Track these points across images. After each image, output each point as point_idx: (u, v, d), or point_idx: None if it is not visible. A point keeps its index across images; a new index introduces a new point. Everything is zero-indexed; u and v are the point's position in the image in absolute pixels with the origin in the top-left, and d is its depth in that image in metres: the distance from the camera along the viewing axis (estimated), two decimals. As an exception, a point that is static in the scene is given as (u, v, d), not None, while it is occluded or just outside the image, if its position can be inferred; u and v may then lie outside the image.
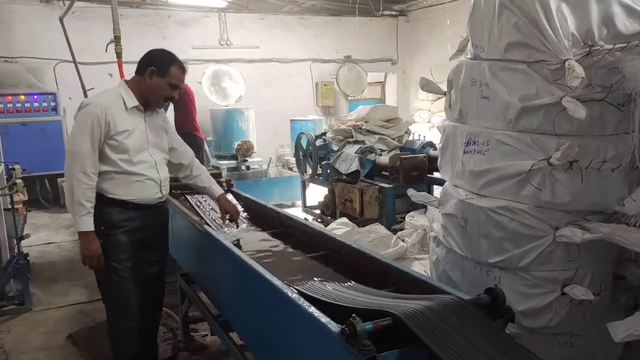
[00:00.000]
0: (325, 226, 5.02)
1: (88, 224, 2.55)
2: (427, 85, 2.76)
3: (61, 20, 6.22)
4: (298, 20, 10.50)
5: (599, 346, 2.35)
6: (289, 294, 2.06)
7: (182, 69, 2.72)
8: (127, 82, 2.72)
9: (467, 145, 2.38)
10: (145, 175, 2.69)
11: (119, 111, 2.60)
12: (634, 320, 1.97)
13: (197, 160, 3.17)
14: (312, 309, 1.90)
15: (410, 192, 2.91)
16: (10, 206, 4.38)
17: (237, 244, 2.84)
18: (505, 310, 1.85)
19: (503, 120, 2.23)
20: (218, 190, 3.18)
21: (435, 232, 2.73)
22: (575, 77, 1.88)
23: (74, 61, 6.17)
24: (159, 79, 2.63)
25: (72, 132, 2.64)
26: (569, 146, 2.02)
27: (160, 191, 2.79)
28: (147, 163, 2.71)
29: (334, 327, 1.72)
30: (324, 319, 1.81)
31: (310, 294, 2.15)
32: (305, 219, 6.03)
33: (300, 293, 2.12)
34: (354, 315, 1.62)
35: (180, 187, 3.96)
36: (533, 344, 2.25)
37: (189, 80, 7.51)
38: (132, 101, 2.65)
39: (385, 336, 1.66)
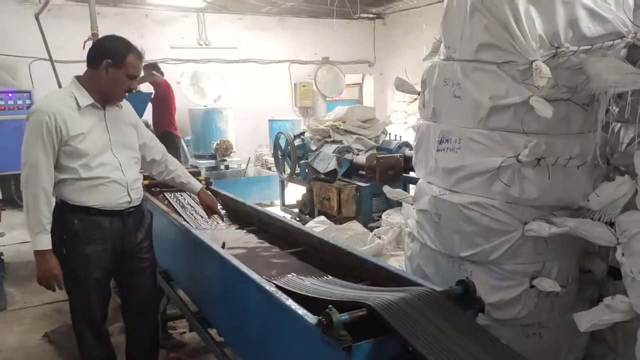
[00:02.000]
0: (304, 224, 5.07)
1: (44, 242, 2.34)
2: (402, 85, 2.84)
3: (37, 17, 6.15)
4: (277, 22, 10.54)
5: (565, 337, 2.45)
6: (267, 287, 2.10)
7: (139, 57, 2.47)
8: (79, 78, 2.46)
9: (440, 143, 2.45)
10: (108, 177, 2.44)
11: (70, 113, 2.35)
12: (598, 311, 2.06)
13: (171, 155, 3.00)
14: (290, 302, 1.95)
15: (386, 189, 2.98)
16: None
17: (223, 247, 2.81)
18: (476, 301, 1.93)
19: (474, 119, 2.31)
20: (197, 185, 3.09)
21: (410, 228, 2.80)
22: (542, 77, 1.96)
23: (50, 59, 6.11)
24: (115, 71, 2.38)
25: (23, 141, 2.34)
26: (536, 143, 2.11)
27: (128, 194, 2.52)
28: (110, 165, 2.46)
29: (311, 318, 1.78)
30: (301, 311, 1.86)
31: (288, 287, 2.20)
32: (284, 217, 6.10)
33: (279, 287, 2.17)
34: (330, 306, 1.68)
35: (159, 185, 3.98)
36: (503, 335, 2.32)
37: (168, 79, 7.55)
38: (86, 99, 2.40)
39: (361, 327, 1.72)
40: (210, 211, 3.14)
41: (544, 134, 2.21)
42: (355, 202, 5.24)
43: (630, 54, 2.25)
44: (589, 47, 2.11)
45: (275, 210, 6.67)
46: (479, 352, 1.65)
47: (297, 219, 6.15)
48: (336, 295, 2.01)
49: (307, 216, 5.98)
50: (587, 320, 2.03)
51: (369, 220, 5.23)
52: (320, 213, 5.61)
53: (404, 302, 1.79)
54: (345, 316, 1.68)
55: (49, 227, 2.34)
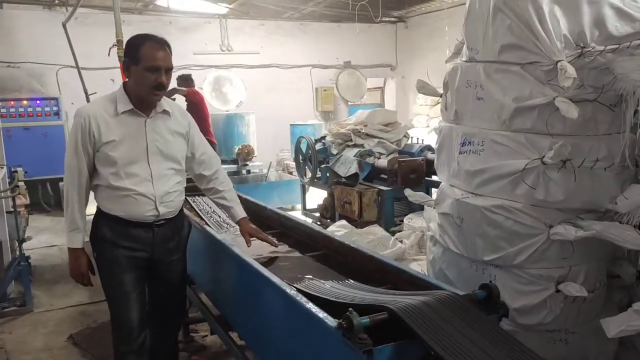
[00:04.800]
0: (325, 229, 5.06)
1: (75, 240, 2.43)
2: (424, 88, 2.81)
3: (64, 25, 6.28)
4: (298, 27, 10.59)
5: (593, 343, 2.38)
6: (288, 291, 2.10)
7: (156, 45, 2.28)
8: (124, 84, 2.43)
9: (462, 146, 2.42)
10: (134, 190, 2.37)
11: (106, 119, 2.33)
12: (627, 316, 2.00)
13: (224, 174, 2.81)
14: (310, 305, 1.94)
15: (408, 192, 2.95)
16: (12, 209, 4.42)
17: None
18: (499, 305, 1.89)
19: (497, 120, 2.28)
20: (240, 213, 2.84)
21: (432, 231, 2.76)
22: (567, 78, 1.93)
23: (77, 66, 6.22)
24: (135, 68, 2.28)
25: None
26: (562, 145, 2.07)
27: (156, 208, 2.42)
28: (139, 177, 2.38)
29: (331, 321, 1.76)
30: (321, 314, 1.85)
31: (309, 291, 2.19)
32: (305, 221, 6.09)
33: (299, 291, 2.16)
34: (350, 309, 1.66)
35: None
36: (528, 341, 2.27)
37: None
38: (124, 105, 2.34)
39: (383, 331, 1.70)
40: (252, 238, 2.84)
41: (570, 136, 2.16)
42: (377, 206, 5.21)
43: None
44: (616, 46, 2.07)
45: (297, 215, 6.68)
46: (503, 357, 1.61)
47: (319, 223, 6.15)
48: (357, 299, 2.00)
49: (329, 220, 5.96)
50: (616, 326, 1.98)
51: (391, 224, 5.19)
52: (341, 217, 5.59)
53: (426, 306, 1.76)
54: (365, 319, 1.66)
55: (82, 225, 2.41)
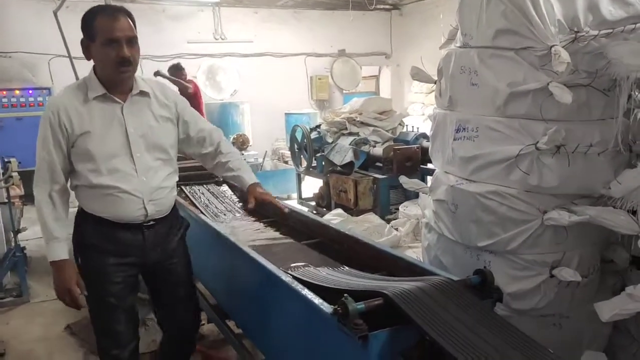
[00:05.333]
0: (321, 217, 5.07)
1: (56, 251, 2.08)
2: (418, 74, 2.80)
3: (55, 14, 6.22)
4: (292, 14, 10.51)
5: (587, 328, 2.40)
6: (284, 278, 2.11)
7: (110, 15, 1.99)
8: (94, 67, 2.11)
9: (457, 132, 2.42)
10: (118, 187, 2.08)
11: (78, 108, 2.04)
12: (620, 300, 2.02)
13: (228, 144, 2.48)
14: (306, 292, 1.96)
15: (403, 179, 2.96)
16: (6, 200, 4.41)
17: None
18: (493, 290, 1.91)
19: (492, 106, 2.27)
20: (249, 179, 2.47)
21: (427, 218, 2.77)
22: (561, 63, 1.92)
23: (69, 55, 6.17)
24: (93, 46, 2.00)
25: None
26: (556, 130, 2.07)
27: (144, 207, 2.14)
28: (122, 172, 2.09)
29: (327, 307, 1.77)
30: (317, 300, 1.86)
31: (305, 278, 2.20)
32: (301, 209, 6.10)
33: (295, 278, 2.17)
34: (345, 295, 1.67)
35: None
36: (522, 325, 2.26)
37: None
38: (96, 90, 2.06)
39: (378, 317, 1.71)
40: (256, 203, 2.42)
41: (564, 121, 2.16)
42: (372, 194, 5.22)
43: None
44: (610, 31, 2.06)
45: (293, 204, 6.69)
46: (497, 341, 1.63)
47: (314, 211, 6.15)
48: (352, 285, 2.00)
49: (324, 209, 5.98)
50: (609, 309, 1.99)
51: (387, 212, 5.21)
52: (337, 206, 5.60)
53: (421, 291, 1.77)
54: (361, 305, 1.67)
55: (60, 234, 2.09)
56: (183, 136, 2.33)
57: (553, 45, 2.01)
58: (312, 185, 6.79)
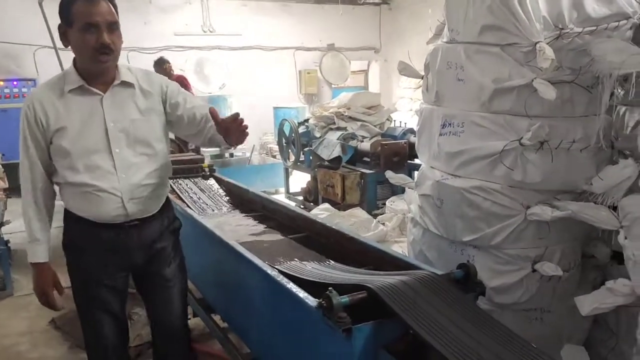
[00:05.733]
0: (308, 212, 5.08)
1: (35, 253, 2.02)
2: (405, 70, 2.81)
3: (40, 5, 6.14)
4: (281, 8, 10.47)
5: (568, 321, 2.44)
6: (269, 272, 2.11)
7: (88, 0, 1.83)
8: (74, 59, 1.98)
9: (443, 127, 2.44)
10: (95, 185, 1.95)
11: (54, 102, 1.93)
12: (600, 294, 2.05)
13: (206, 111, 2.07)
14: (291, 285, 1.96)
15: (389, 174, 2.97)
16: (-8, 193, 4.36)
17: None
18: (476, 284, 1.93)
19: (477, 102, 2.29)
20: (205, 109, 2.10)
21: (413, 213, 2.79)
22: (546, 59, 1.94)
23: (54, 46, 6.11)
24: (71, 32, 1.86)
25: None
26: (539, 126, 2.09)
27: (124, 206, 1.99)
28: (100, 169, 1.95)
29: (312, 301, 1.79)
30: (302, 294, 1.87)
31: (291, 272, 2.21)
32: (287, 204, 6.11)
33: (281, 272, 2.18)
34: (330, 289, 1.68)
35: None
36: (504, 319, 2.30)
37: (174, 68, 7.54)
38: (73, 82, 1.92)
39: (363, 310, 1.72)
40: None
41: (548, 117, 2.19)
42: (360, 189, 5.24)
43: (637, 35, 2.22)
44: (594, 28, 2.09)
45: (280, 198, 6.68)
46: (480, 335, 1.65)
47: (302, 206, 6.16)
48: (337, 279, 2.02)
49: (312, 203, 5.99)
50: (589, 304, 2.03)
51: (374, 207, 5.23)
52: (324, 200, 5.61)
53: (405, 285, 1.79)
54: (345, 298, 1.68)
55: (41, 235, 2.02)
56: (173, 118, 2.12)
57: (538, 42, 2.03)
58: (300, 180, 6.79)
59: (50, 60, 6.92)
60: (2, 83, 7.71)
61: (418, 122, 2.74)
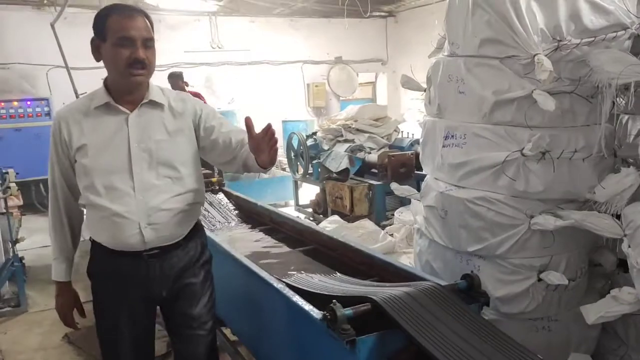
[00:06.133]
0: (317, 224, 5.12)
1: (57, 271, 2.00)
2: (408, 83, 2.85)
3: (52, 26, 6.28)
4: (289, 23, 10.59)
5: (576, 330, 2.44)
6: (276, 285, 2.15)
7: (126, 13, 1.79)
8: (106, 78, 1.91)
9: (445, 139, 2.47)
10: (110, 209, 1.83)
11: (79, 119, 1.86)
12: (605, 302, 2.06)
13: (242, 136, 1.94)
14: (297, 298, 2.00)
15: (394, 185, 3.00)
16: (4, 210, 4.44)
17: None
18: (480, 294, 1.94)
19: (478, 113, 2.32)
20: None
21: (418, 224, 2.81)
22: (544, 71, 1.97)
23: (66, 66, 6.23)
24: (104, 46, 1.79)
25: None
26: (539, 137, 2.11)
27: (140, 232, 1.84)
28: (118, 191, 1.84)
29: (317, 314, 1.81)
30: (307, 306, 1.90)
31: (297, 285, 2.24)
32: (298, 217, 6.15)
33: (288, 285, 2.21)
34: (334, 301, 1.71)
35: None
36: (511, 329, 2.33)
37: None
38: (99, 99, 1.85)
39: (368, 322, 1.75)
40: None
41: (548, 127, 2.21)
42: (368, 200, 5.26)
43: (635, 45, 2.24)
44: (592, 39, 2.11)
45: (290, 211, 6.73)
46: (484, 346, 1.66)
47: (311, 218, 6.19)
48: (343, 291, 2.04)
49: (321, 215, 6.02)
50: (595, 312, 2.03)
51: (383, 218, 5.24)
52: (333, 212, 5.64)
53: (408, 297, 1.81)
54: (349, 311, 1.71)
55: (65, 254, 2.00)
56: (207, 143, 1.99)
57: (536, 54, 2.06)
58: (309, 192, 6.82)
59: (62, 80, 7.06)
60: (16, 103, 7.86)
61: (421, 134, 2.77)
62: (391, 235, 4.46)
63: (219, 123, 2.01)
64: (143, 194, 1.85)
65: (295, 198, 7.06)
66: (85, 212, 1.98)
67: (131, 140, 1.85)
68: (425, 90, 2.78)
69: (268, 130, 1.78)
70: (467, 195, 2.37)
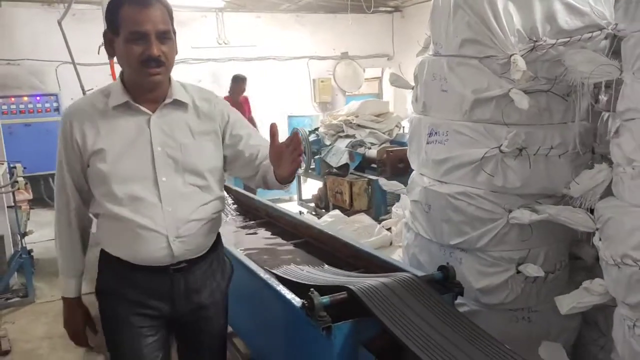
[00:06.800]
0: (319, 218, 5.21)
1: (68, 287, 1.80)
2: (396, 81, 2.93)
3: (59, 23, 6.40)
4: (295, 18, 10.65)
5: (556, 321, 2.51)
6: (262, 275, 2.26)
7: (138, 4, 1.57)
8: (122, 72, 1.72)
9: (429, 136, 2.54)
10: (135, 221, 1.64)
11: (94, 120, 1.66)
12: (578, 294, 2.14)
13: (266, 149, 1.73)
14: (280, 287, 2.10)
15: (382, 181, 3.08)
16: (13, 204, 4.59)
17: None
18: (455, 285, 2.03)
19: (459, 111, 2.40)
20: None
21: (406, 218, 2.90)
22: (518, 71, 2.05)
23: (73, 62, 6.35)
24: (117, 40, 1.61)
25: None
26: (515, 134, 2.19)
27: (169, 246, 1.67)
28: (143, 201, 1.65)
29: (297, 302, 1.92)
30: (289, 295, 2.01)
31: (284, 276, 2.34)
32: (300, 212, 6.26)
33: (276, 276, 2.32)
34: (311, 290, 1.81)
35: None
36: (492, 319, 2.43)
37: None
38: (119, 97, 1.65)
39: (348, 311, 1.84)
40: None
41: (526, 125, 2.28)
42: (367, 195, 5.34)
43: (613, 45, 2.30)
44: (567, 39, 2.18)
45: (293, 205, 6.84)
46: (450, 332, 1.75)
47: (313, 213, 6.29)
48: (325, 281, 2.14)
49: (323, 210, 6.11)
50: (567, 303, 2.11)
51: (382, 213, 5.32)
52: (334, 207, 5.74)
53: (384, 287, 1.90)
54: (326, 299, 1.81)
55: (69, 268, 1.80)
56: (230, 153, 1.83)
57: (513, 54, 2.14)
58: (312, 187, 6.93)
59: (71, 76, 7.17)
60: (26, 98, 8.02)
61: (409, 131, 2.85)
62: (388, 229, 4.54)
63: (247, 133, 1.85)
64: (170, 203, 1.67)
65: (298, 193, 7.17)
66: (96, 222, 1.78)
67: (154, 145, 1.67)
68: (413, 88, 2.86)
69: (294, 139, 1.61)
70: (449, 190, 2.45)
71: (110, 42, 1.66)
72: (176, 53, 1.69)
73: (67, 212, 1.77)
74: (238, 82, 7.20)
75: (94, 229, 1.82)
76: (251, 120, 6.80)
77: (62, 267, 1.81)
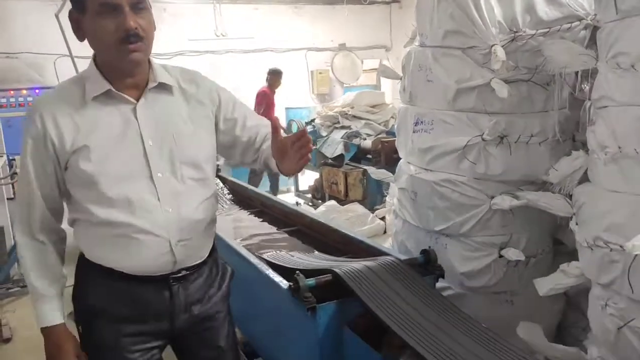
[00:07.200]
0: (315, 209, 5.30)
1: (45, 315, 1.50)
2: (385, 72, 3.00)
3: (57, 16, 6.45)
4: (292, 10, 10.67)
5: (539, 304, 2.58)
6: (252, 260, 2.34)
7: None
8: (94, 56, 1.49)
9: (415, 125, 2.61)
10: (133, 225, 1.44)
11: (71, 114, 1.43)
12: (555, 276, 2.21)
13: (267, 131, 1.63)
14: (269, 271, 2.19)
15: (371, 170, 3.15)
16: (12, 196, 4.67)
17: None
18: (436, 268, 2.12)
19: (444, 101, 2.46)
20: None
21: (395, 206, 2.97)
22: (497, 61, 2.11)
23: (71, 55, 6.40)
24: (84, 20, 1.41)
25: None
26: (495, 122, 2.26)
27: (171, 251, 1.49)
28: (138, 201, 1.45)
29: (284, 284, 2.00)
30: (277, 278, 2.09)
31: (275, 261, 2.43)
32: (297, 203, 6.34)
33: (266, 261, 2.41)
34: (297, 272, 1.90)
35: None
36: (476, 302, 2.51)
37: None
38: (97, 86, 1.44)
39: (333, 292, 1.92)
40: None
41: (507, 114, 2.35)
42: (362, 185, 5.43)
43: (593, 35, 2.36)
44: (547, 30, 2.24)
45: (290, 196, 6.93)
46: (430, 312, 1.83)
47: (310, 203, 6.38)
48: (313, 266, 2.22)
49: (319, 200, 6.21)
50: (546, 285, 2.18)
51: (377, 202, 5.42)
52: (330, 197, 5.82)
53: (368, 270, 1.99)
54: (311, 281, 1.90)
55: (48, 290, 1.50)
56: (226, 140, 1.65)
57: (494, 45, 2.20)
58: (309, 178, 7.01)
59: (69, 69, 7.23)
60: (25, 92, 8.09)
61: (397, 121, 2.92)
62: (382, 218, 4.62)
63: (242, 114, 1.66)
64: (170, 203, 1.48)
65: (295, 184, 7.26)
66: (77, 233, 1.54)
67: (144, 137, 1.47)
68: (401, 79, 2.92)
69: (302, 136, 1.44)
70: (434, 178, 2.52)
71: (77, 23, 1.44)
72: (154, 28, 1.47)
73: (30, 231, 1.50)
74: (276, 75, 7.30)
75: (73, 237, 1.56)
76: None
77: (35, 292, 1.50)
